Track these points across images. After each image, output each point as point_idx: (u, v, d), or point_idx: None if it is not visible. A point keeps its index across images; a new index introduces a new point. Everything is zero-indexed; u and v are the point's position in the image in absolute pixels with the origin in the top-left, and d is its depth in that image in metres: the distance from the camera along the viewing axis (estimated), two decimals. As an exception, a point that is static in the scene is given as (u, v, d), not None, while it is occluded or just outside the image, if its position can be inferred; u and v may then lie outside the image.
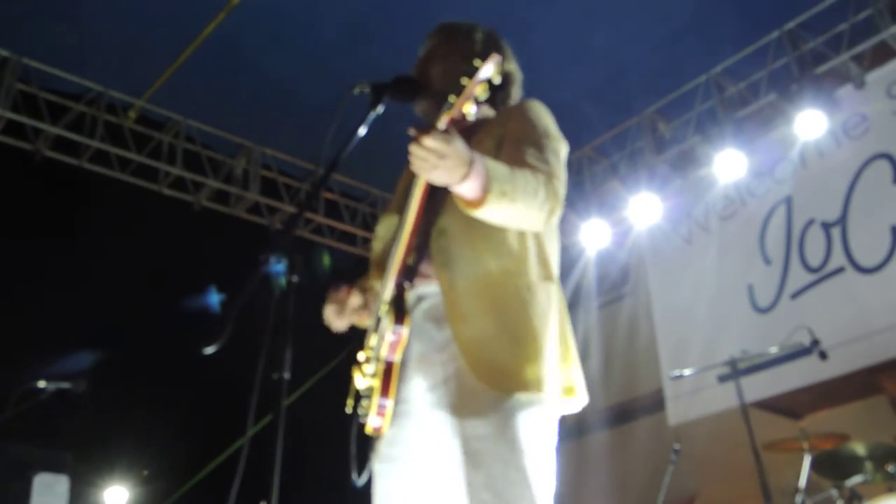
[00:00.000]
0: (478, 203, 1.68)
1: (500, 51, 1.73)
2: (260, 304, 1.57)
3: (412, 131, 1.60)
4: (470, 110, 1.63)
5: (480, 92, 1.60)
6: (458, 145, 1.61)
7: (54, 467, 4.81)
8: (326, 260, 7.28)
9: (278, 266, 1.58)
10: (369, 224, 7.46)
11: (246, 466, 1.55)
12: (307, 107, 5.77)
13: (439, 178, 1.64)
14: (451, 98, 1.62)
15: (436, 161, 1.60)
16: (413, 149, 1.60)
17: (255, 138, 6.81)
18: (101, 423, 5.96)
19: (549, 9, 5.45)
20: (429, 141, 1.58)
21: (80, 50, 5.82)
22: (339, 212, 7.37)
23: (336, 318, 2.06)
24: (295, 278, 1.59)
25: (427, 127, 1.60)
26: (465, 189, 1.67)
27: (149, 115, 6.45)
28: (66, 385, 3.99)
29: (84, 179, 6.23)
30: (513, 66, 2.19)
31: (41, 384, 3.95)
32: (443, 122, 1.62)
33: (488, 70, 1.58)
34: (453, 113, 1.62)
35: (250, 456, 1.54)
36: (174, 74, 5.94)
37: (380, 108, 1.86)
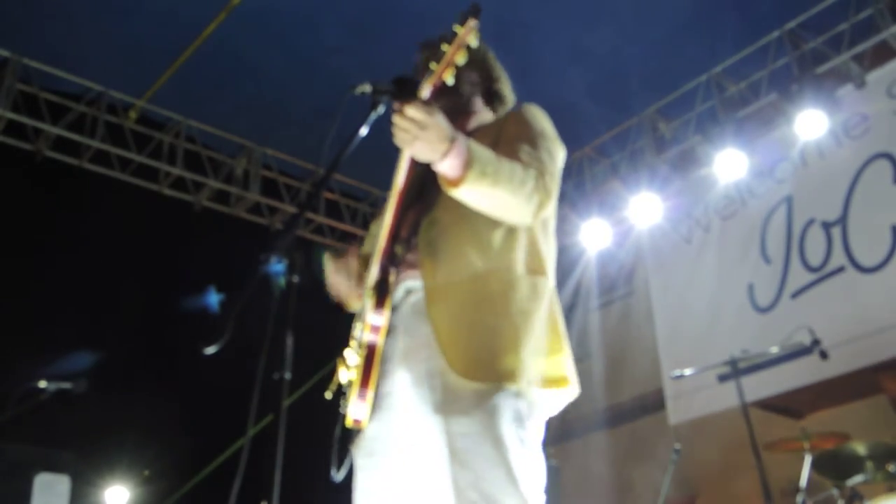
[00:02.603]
0: (458, 181, 1.71)
1: (477, 17, 1.77)
2: (260, 304, 1.57)
3: (396, 104, 1.64)
4: (450, 78, 1.67)
5: (460, 58, 1.65)
6: (440, 119, 1.66)
7: (55, 467, 4.81)
8: (325, 258, 7.28)
9: (278, 266, 1.58)
10: (369, 224, 7.46)
11: (246, 466, 1.55)
12: (307, 107, 5.78)
13: (420, 151, 1.68)
14: (432, 65, 1.66)
15: (417, 132, 1.63)
16: (394, 119, 1.64)
17: (255, 138, 6.81)
18: (101, 423, 5.96)
19: (549, 9, 5.45)
20: (410, 110, 1.62)
21: (80, 50, 5.82)
22: (339, 212, 7.37)
23: (332, 270, 2.10)
24: (295, 278, 1.59)
25: (408, 97, 1.65)
26: (446, 166, 1.70)
27: (149, 115, 6.45)
28: (66, 385, 3.99)
29: (84, 179, 6.23)
30: (508, 90, 2.21)
31: (41, 384, 3.95)
32: (425, 91, 1.67)
33: (467, 35, 1.62)
34: (434, 80, 1.66)
35: (251, 456, 1.54)
36: (174, 74, 5.94)
37: (380, 109, 1.86)
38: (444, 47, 1.64)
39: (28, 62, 5.85)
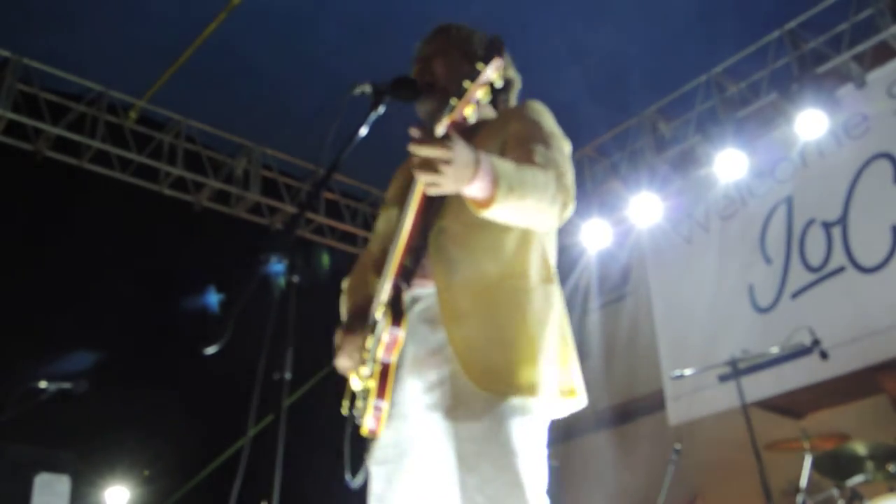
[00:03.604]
0: (488, 202, 1.64)
1: (501, 55, 1.72)
2: (260, 304, 1.57)
3: (413, 131, 1.56)
4: (471, 113, 1.61)
5: (482, 95, 1.59)
6: (461, 149, 1.57)
7: (55, 467, 4.81)
8: (326, 260, 7.29)
9: (278, 266, 1.58)
10: (370, 224, 7.46)
11: (246, 466, 1.55)
12: (307, 107, 5.78)
13: (448, 187, 1.60)
14: (453, 101, 1.60)
15: (441, 170, 1.55)
16: (414, 161, 1.56)
17: (255, 138, 6.81)
18: (101, 423, 5.96)
19: (549, 9, 5.45)
20: (429, 151, 1.54)
21: (80, 50, 5.83)
22: (339, 212, 7.37)
23: (343, 362, 2.02)
24: (295, 278, 1.59)
25: (426, 129, 1.57)
26: (474, 190, 1.63)
27: (149, 115, 6.45)
28: (66, 385, 3.99)
29: (84, 179, 6.23)
30: (512, 72, 2.18)
31: (42, 384, 3.95)
32: (443, 126, 1.60)
33: (491, 73, 1.57)
34: (454, 116, 1.60)
35: (251, 456, 1.54)
36: (174, 74, 5.94)
37: (380, 109, 1.85)
38: (466, 84, 1.57)
39: (28, 62, 5.85)
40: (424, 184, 1.61)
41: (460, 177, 1.58)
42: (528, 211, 1.73)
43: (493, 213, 1.68)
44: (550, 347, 1.84)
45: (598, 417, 6.83)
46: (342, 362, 2.02)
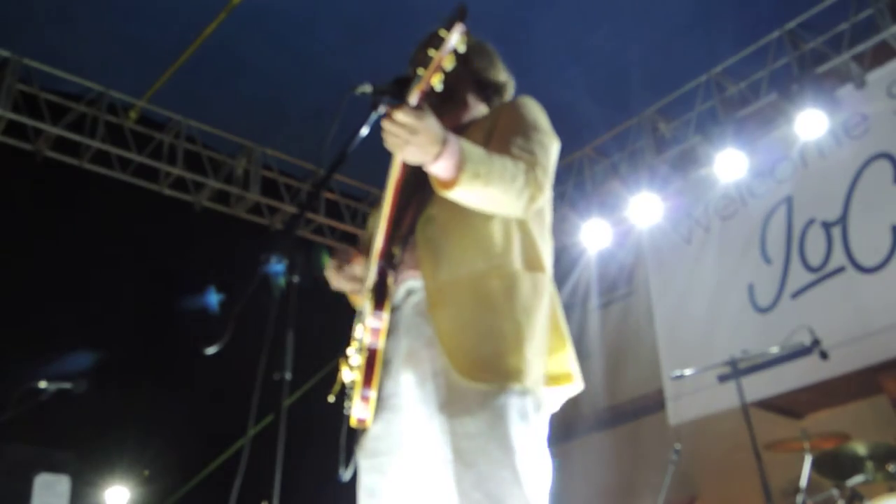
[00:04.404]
0: (451, 183, 1.70)
1: (464, 20, 1.73)
2: (260, 304, 1.57)
3: (386, 109, 1.63)
4: (438, 82, 1.64)
5: (448, 63, 1.61)
6: (431, 122, 1.63)
7: (55, 467, 4.82)
8: (326, 260, 7.28)
9: (278, 266, 1.58)
10: (367, 221, 7.45)
11: (247, 466, 1.55)
12: (307, 107, 5.78)
13: (412, 155, 1.66)
14: (420, 71, 1.63)
15: (408, 136, 1.62)
16: (384, 124, 1.63)
17: (255, 138, 6.81)
18: (101, 423, 5.96)
19: (548, 9, 5.45)
20: (400, 115, 1.60)
21: (80, 50, 5.82)
22: (339, 212, 7.37)
23: (334, 276, 2.08)
24: (295, 278, 1.59)
25: (398, 102, 1.63)
26: (439, 168, 1.69)
27: (149, 115, 6.45)
28: (66, 385, 3.99)
29: (84, 179, 6.23)
30: (505, 75, 2.19)
31: (41, 384, 3.95)
32: (414, 97, 1.64)
33: (454, 40, 1.58)
34: (422, 86, 1.63)
35: (251, 456, 1.54)
36: (174, 74, 5.94)
37: (381, 109, 1.86)
38: (431, 53, 1.59)
39: (28, 62, 5.85)
40: (389, 147, 1.67)
41: (426, 149, 1.64)
42: (490, 199, 1.78)
43: (454, 195, 1.73)
44: (539, 335, 1.83)
45: (598, 417, 6.83)
46: (335, 280, 2.07)
